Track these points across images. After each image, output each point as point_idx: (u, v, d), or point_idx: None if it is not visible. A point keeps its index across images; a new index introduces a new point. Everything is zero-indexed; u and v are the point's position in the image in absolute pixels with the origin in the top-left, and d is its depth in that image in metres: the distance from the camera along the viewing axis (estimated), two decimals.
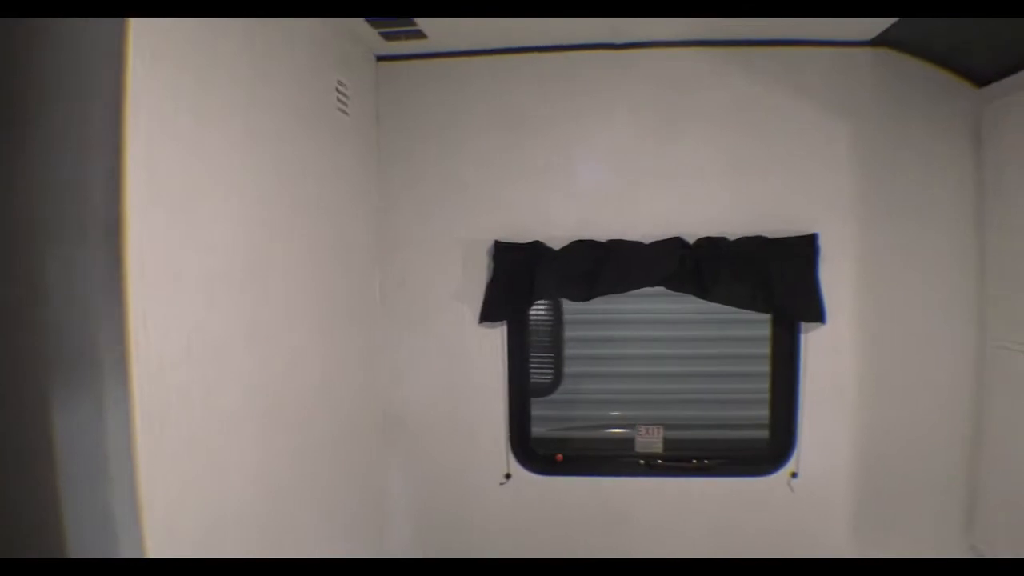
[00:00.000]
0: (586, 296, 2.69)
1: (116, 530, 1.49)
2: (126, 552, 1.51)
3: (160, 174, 1.50)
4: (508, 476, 2.80)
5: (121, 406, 1.44)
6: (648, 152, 2.67)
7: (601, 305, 2.88)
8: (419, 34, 2.54)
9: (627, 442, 2.94)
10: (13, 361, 1.42)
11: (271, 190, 1.99)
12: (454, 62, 2.74)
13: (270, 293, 1.99)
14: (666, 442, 2.88)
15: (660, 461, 2.85)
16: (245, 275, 1.86)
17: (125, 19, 1.43)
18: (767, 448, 2.79)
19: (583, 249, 2.66)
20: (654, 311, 3.53)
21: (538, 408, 3.13)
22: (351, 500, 2.54)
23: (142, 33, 1.45)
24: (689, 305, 2.72)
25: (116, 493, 1.48)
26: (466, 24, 2.47)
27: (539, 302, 2.94)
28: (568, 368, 3.53)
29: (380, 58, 2.76)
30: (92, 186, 1.43)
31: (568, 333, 3.46)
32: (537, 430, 3.04)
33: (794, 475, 2.68)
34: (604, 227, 2.67)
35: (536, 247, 2.68)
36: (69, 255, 1.45)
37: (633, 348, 3.61)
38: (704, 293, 2.62)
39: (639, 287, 2.67)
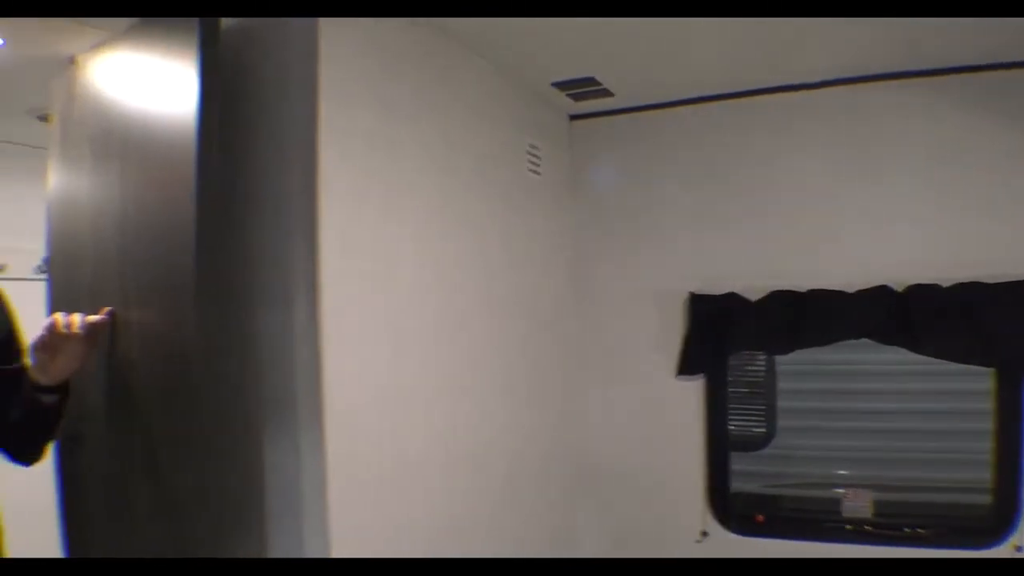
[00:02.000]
0: (786, 349, 2.58)
1: (308, 552, 1.63)
2: None
3: (353, 242, 1.71)
4: (704, 534, 2.74)
5: (315, 447, 1.59)
6: (848, 194, 2.51)
7: (812, 355, 2.72)
8: (605, 92, 2.64)
9: (833, 502, 2.75)
10: (232, 402, 1.63)
11: (464, 251, 2.16)
12: (643, 116, 2.78)
13: (460, 347, 2.13)
14: (876, 504, 2.69)
15: (868, 527, 2.68)
16: (436, 331, 2.02)
17: (316, 106, 1.62)
18: (988, 515, 2.54)
19: (781, 300, 2.54)
20: (867, 361, 3.28)
21: (745, 463, 3.01)
22: (536, 539, 2.58)
23: (333, 116, 1.66)
24: (901, 356, 2.53)
25: (308, 524, 1.63)
26: (649, 77, 2.52)
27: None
28: (781, 421, 3.34)
29: (573, 117, 2.90)
30: (294, 256, 1.64)
31: (781, 385, 3.27)
32: (746, 486, 2.93)
33: (1019, 548, 2.42)
34: (803, 275, 2.54)
35: (732, 299, 2.60)
36: (275, 316, 1.65)
37: (843, 402, 3.36)
38: (915, 346, 2.38)
39: (842, 339, 2.49)
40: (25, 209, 3.11)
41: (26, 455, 1.69)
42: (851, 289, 2.47)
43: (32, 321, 2.95)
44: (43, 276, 3.16)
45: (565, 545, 2.78)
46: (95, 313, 1.71)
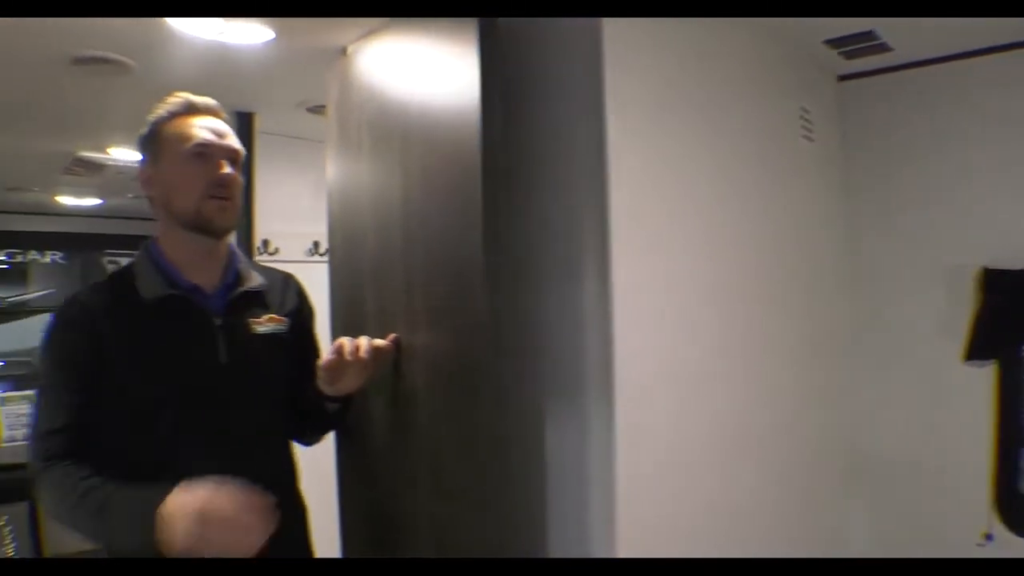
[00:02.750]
0: None
1: (590, 533, 1.59)
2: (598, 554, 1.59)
3: (639, 217, 1.66)
4: (988, 537, 2.43)
5: (604, 423, 1.53)
6: None
7: None
8: (883, 47, 2.38)
9: None
10: (517, 377, 1.62)
11: (741, 224, 2.05)
12: (925, 71, 2.50)
13: (743, 325, 2.02)
14: None
15: None
16: (720, 307, 1.94)
17: (601, 88, 1.57)
18: None
19: None
20: None
21: None
22: (807, 537, 2.42)
23: (616, 91, 1.60)
24: None
25: (594, 500, 1.58)
26: (940, 25, 2.23)
27: None
28: None
29: (842, 77, 2.65)
30: (584, 232, 1.57)
31: None
32: None
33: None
34: None
35: None
36: (564, 291, 1.61)
37: None
38: None
39: None
40: (295, 196, 3.41)
41: (306, 441, 1.82)
42: None
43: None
44: (314, 259, 3.46)
45: (835, 544, 2.59)
46: (378, 296, 1.80)
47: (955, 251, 2.46)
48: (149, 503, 1.28)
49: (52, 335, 1.47)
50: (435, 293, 1.61)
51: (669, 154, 1.78)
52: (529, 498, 1.70)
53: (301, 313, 1.74)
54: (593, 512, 1.60)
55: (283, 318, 1.65)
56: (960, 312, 2.42)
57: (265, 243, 3.24)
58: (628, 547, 1.56)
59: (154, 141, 1.52)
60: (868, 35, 2.27)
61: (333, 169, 2.06)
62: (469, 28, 1.49)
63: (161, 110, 1.53)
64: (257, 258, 3.14)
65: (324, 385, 1.59)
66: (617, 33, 1.60)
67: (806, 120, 2.39)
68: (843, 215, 2.65)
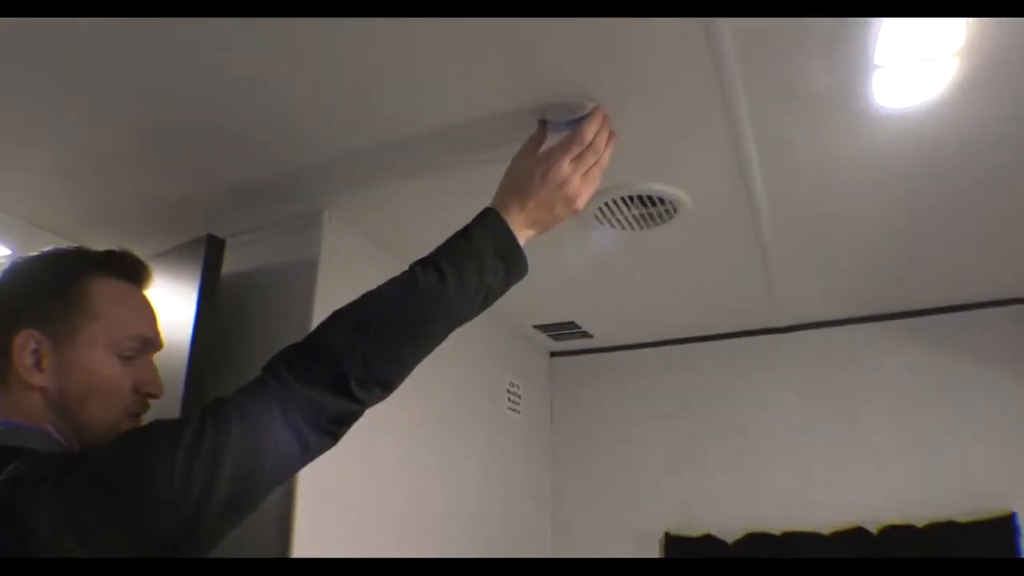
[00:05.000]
0: None
1: None
2: None
3: (329, 484, 1.68)
4: None
5: None
6: (822, 435, 2.58)
7: None
8: (584, 334, 2.78)
9: None
10: None
11: (441, 494, 2.14)
12: (620, 354, 2.93)
13: None
14: None
15: None
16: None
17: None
18: None
19: (757, 543, 2.53)
20: None
21: None
22: None
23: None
24: None
25: None
26: (625, 321, 2.68)
27: None
28: None
29: (554, 354, 3.01)
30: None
31: None
32: None
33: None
34: (780, 514, 2.54)
35: (708, 541, 2.59)
36: None
37: None
38: None
39: None
40: None
41: None
42: (827, 530, 2.47)
43: None
44: None
45: None
46: None
47: (643, 517, 2.74)
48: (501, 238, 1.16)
49: None
50: None
51: (372, 429, 1.85)
52: None
53: None
54: None
55: None
56: None
57: None
58: None
59: (67, 305, 1.00)
60: (570, 324, 2.66)
61: None
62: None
63: (79, 257, 1.06)
64: None
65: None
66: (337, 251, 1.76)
67: (513, 393, 2.65)
68: (548, 482, 2.89)
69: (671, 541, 2.65)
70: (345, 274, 1.75)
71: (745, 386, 2.74)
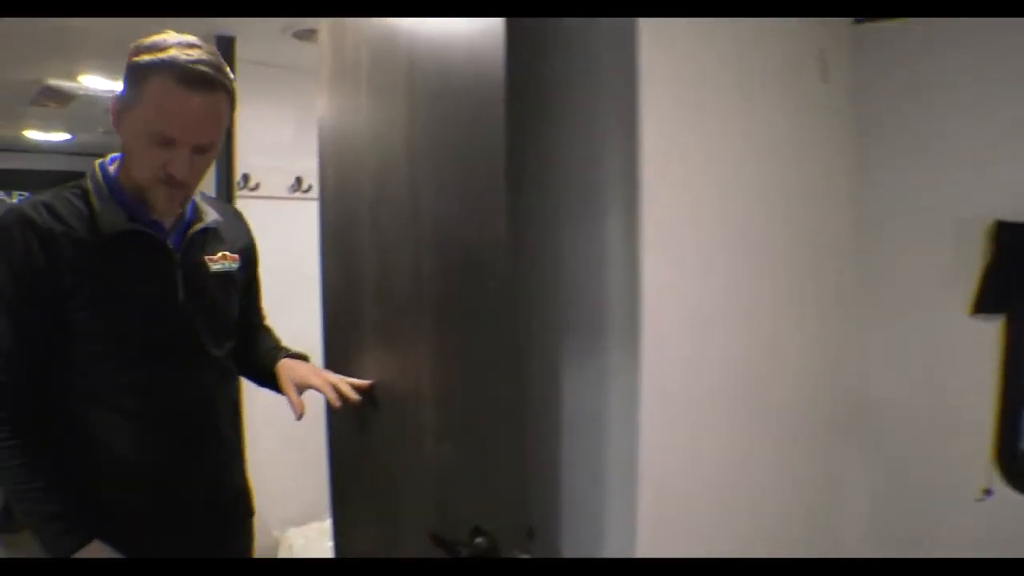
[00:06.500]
0: None
1: (608, 490, 1.52)
2: (618, 512, 1.53)
3: (667, 156, 1.53)
4: (988, 492, 2.41)
5: (627, 374, 1.46)
6: None
7: None
8: None
9: None
10: (535, 323, 1.52)
11: (757, 169, 1.93)
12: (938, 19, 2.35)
13: (754, 268, 1.92)
14: None
15: None
16: (734, 252, 1.83)
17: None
18: None
19: None
20: None
21: None
22: (808, 489, 2.39)
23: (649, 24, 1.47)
24: None
25: (612, 456, 1.50)
26: None
27: None
28: None
29: (859, 20, 2.53)
30: (607, 171, 1.46)
31: None
32: None
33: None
34: None
35: None
36: (586, 230, 1.51)
37: None
38: None
39: None
40: (278, 130, 3.25)
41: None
42: None
43: (282, 239, 3.11)
44: (295, 195, 3.31)
45: (831, 493, 2.55)
46: (377, 227, 1.69)
47: (964, 204, 2.37)
48: (61, 543, 1.35)
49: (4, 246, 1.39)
50: (445, 227, 1.50)
51: (699, 89, 1.66)
52: (542, 445, 1.62)
53: (250, 251, 1.80)
54: (612, 465, 1.52)
55: (235, 255, 1.68)
56: (969, 264, 2.35)
57: (245, 178, 3.09)
58: (650, 497, 1.48)
59: (135, 85, 1.40)
60: None
61: (326, 102, 1.90)
62: None
63: (157, 51, 1.38)
64: (238, 194, 2.99)
65: (285, 381, 1.71)
66: None
67: (822, 63, 2.28)
68: (854, 164, 2.54)
69: (1003, 229, 2.27)
70: None
71: None
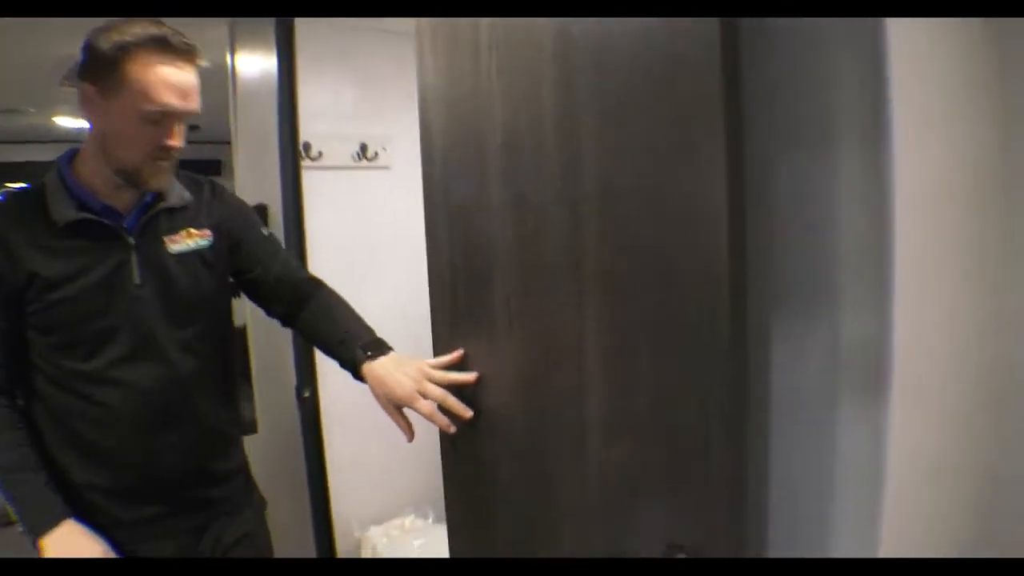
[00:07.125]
0: None
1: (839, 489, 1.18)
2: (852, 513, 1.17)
3: (923, 71, 1.13)
4: None
5: (867, 343, 1.10)
6: None
7: None
8: None
9: None
10: (729, 288, 1.15)
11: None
12: None
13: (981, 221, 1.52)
14: None
15: None
16: (985, 211, 1.40)
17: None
18: None
19: None
20: None
21: None
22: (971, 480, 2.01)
23: None
24: None
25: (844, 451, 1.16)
26: None
27: None
28: None
29: None
30: (845, 83, 1.09)
31: None
32: None
33: None
34: None
35: None
36: (812, 164, 1.14)
37: None
38: None
39: None
40: (339, 92, 2.94)
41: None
42: None
43: (345, 209, 2.80)
44: (361, 164, 3.01)
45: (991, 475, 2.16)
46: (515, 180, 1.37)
47: None
48: (38, 521, 1.41)
49: None
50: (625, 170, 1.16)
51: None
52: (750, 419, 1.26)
53: (231, 220, 1.72)
54: (844, 452, 1.17)
55: (205, 231, 1.64)
56: None
57: (307, 147, 2.78)
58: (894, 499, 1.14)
59: (111, 70, 1.38)
60: None
61: (429, 65, 1.55)
62: None
63: (127, 33, 1.37)
64: (302, 163, 2.69)
65: (384, 401, 1.51)
66: None
67: None
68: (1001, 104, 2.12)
69: None
70: None
71: None
